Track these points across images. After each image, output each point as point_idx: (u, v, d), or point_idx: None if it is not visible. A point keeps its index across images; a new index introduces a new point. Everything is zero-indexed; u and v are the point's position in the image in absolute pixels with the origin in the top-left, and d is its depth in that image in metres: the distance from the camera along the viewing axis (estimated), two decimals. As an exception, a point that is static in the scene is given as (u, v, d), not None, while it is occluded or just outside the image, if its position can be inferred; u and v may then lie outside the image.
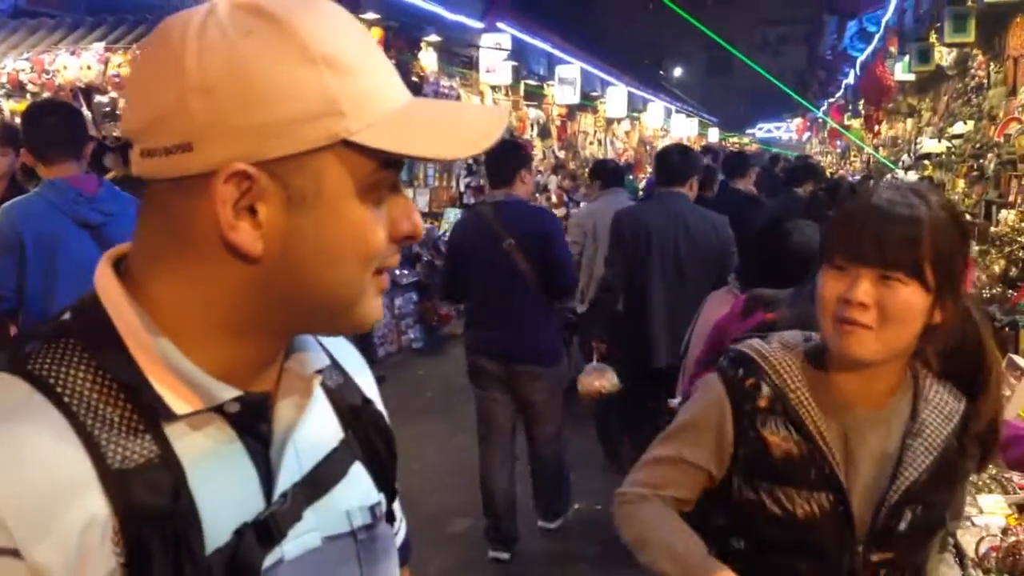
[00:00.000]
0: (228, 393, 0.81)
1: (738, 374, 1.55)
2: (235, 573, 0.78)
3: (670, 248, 4.35)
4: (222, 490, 0.80)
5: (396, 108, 0.80)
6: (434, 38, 10.43)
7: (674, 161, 4.63)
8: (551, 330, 4.39)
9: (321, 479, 0.89)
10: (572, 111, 16.39)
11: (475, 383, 4.36)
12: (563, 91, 14.75)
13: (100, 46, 6.17)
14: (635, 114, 20.57)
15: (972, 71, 9.45)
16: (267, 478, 0.84)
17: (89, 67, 6.09)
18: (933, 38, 9.63)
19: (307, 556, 0.86)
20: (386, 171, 0.80)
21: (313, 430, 0.90)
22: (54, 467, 0.73)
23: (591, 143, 17.75)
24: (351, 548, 0.91)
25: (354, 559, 0.91)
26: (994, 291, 4.97)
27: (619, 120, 19.02)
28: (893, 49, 11.22)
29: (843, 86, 20.03)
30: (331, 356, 0.97)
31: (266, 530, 0.82)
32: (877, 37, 12.22)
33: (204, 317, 0.80)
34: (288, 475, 0.85)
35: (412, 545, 1.13)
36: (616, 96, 17.94)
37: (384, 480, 0.98)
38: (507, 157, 4.24)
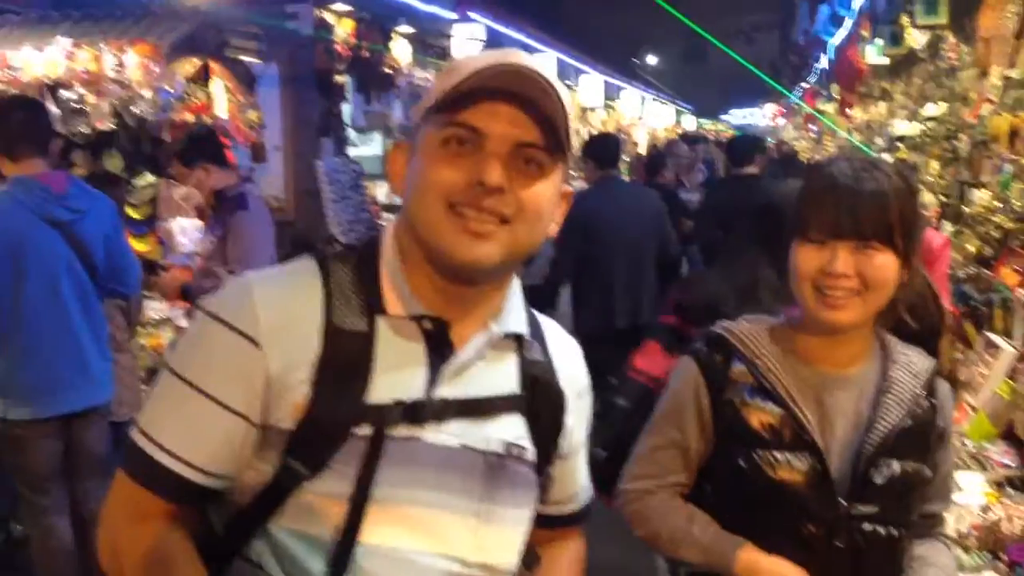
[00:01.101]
0: (419, 308, 1.17)
1: (709, 351, 1.65)
2: (377, 423, 1.12)
3: (622, 224, 4.88)
4: (396, 371, 1.15)
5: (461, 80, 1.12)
6: (406, 29, 10.33)
7: (611, 146, 5.47)
8: None
9: (477, 406, 1.19)
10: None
11: None
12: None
13: (67, 42, 6.08)
14: (610, 102, 20.55)
15: (944, 53, 9.47)
16: (434, 382, 1.16)
17: (55, 63, 6.00)
18: (905, 21, 9.65)
19: (442, 449, 1.16)
20: (453, 127, 1.12)
21: (490, 373, 1.22)
22: (302, 308, 1.15)
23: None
24: (480, 463, 1.19)
25: (479, 472, 1.19)
26: (969, 271, 5.00)
27: (594, 109, 18.98)
28: (865, 33, 11.24)
29: (816, 71, 20.11)
30: (544, 344, 1.30)
31: (412, 410, 1.14)
32: (849, 22, 12.24)
33: (408, 252, 1.19)
34: (451, 389, 1.17)
35: (583, 517, 1.44)
36: (591, 85, 17.90)
37: (540, 438, 1.25)
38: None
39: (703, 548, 1.59)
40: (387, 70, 9.46)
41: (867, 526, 1.54)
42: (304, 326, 1.15)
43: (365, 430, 1.12)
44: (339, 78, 8.81)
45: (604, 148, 5.55)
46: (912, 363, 1.62)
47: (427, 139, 1.15)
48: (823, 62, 17.72)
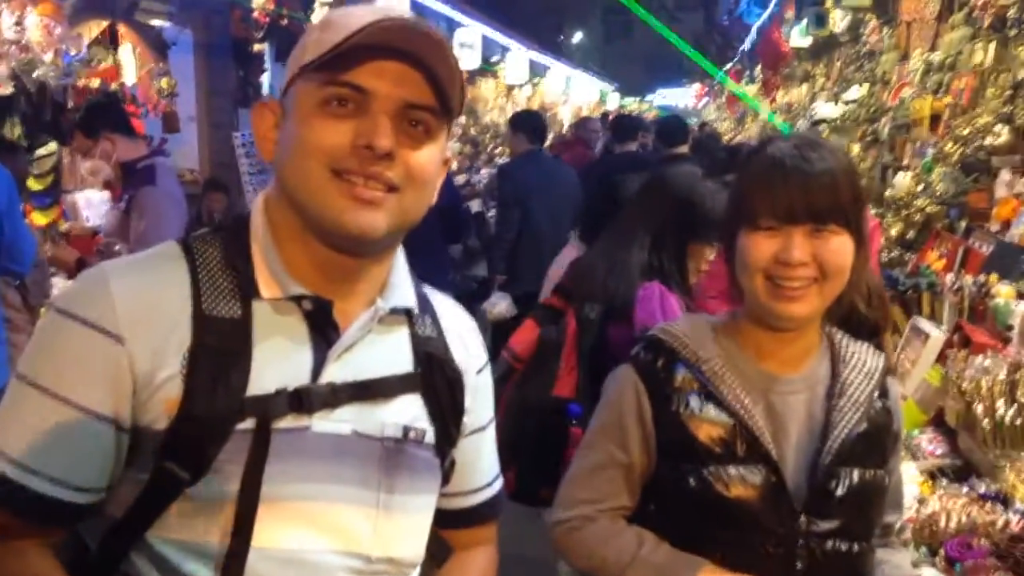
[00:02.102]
0: (296, 289, 1.08)
1: (648, 357, 1.50)
2: (261, 415, 1.04)
3: (549, 195, 5.35)
4: (277, 357, 1.07)
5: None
6: (328, -2, 10.03)
7: (541, 121, 6.14)
8: None
9: (369, 388, 1.11)
10: (472, 77, 16.13)
11: None
12: (464, 55, 14.47)
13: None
14: (536, 80, 20.41)
15: (865, 37, 9.60)
16: (320, 366, 1.08)
17: (-53, 23, 5.61)
18: (829, 3, 9.74)
19: (333, 438, 1.08)
20: (334, 85, 1.03)
21: (381, 353, 1.13)
22: (167, 297, 1.06)
23: (491, 109, 17.53)
24: (376, 450, 1.10)
25: (376, 460, 1.10)
26: (892, 254, 5.02)
27: (520, 86, 18.83)
28: (789, 15, 11.34)
29: (739, 52, 20.28)
30: (436, 318, 1.22)
31: (298, 398, 1.05)
32: (773, 2, 12.33)
33: (280, 227, 1.10)
34: (339, 372, 1.09)
35: (495, 509, 1.32)
36: (516, 61, 17.73)
37: (439, 418, 1.17)
38: None
39: (656, 570, 1.44)
40: (307, 39, 9.17)
41: (829, 543, 1.42)
42: (170, 316, 1.05)
43: (248, 424, 1.03)
44: (257, 46, 8.49)
45: (536, 123, 6.04)
46: (863, 361, 1.52)
47: (303, 98, 1.05)
48: (747, 43, 17.87)
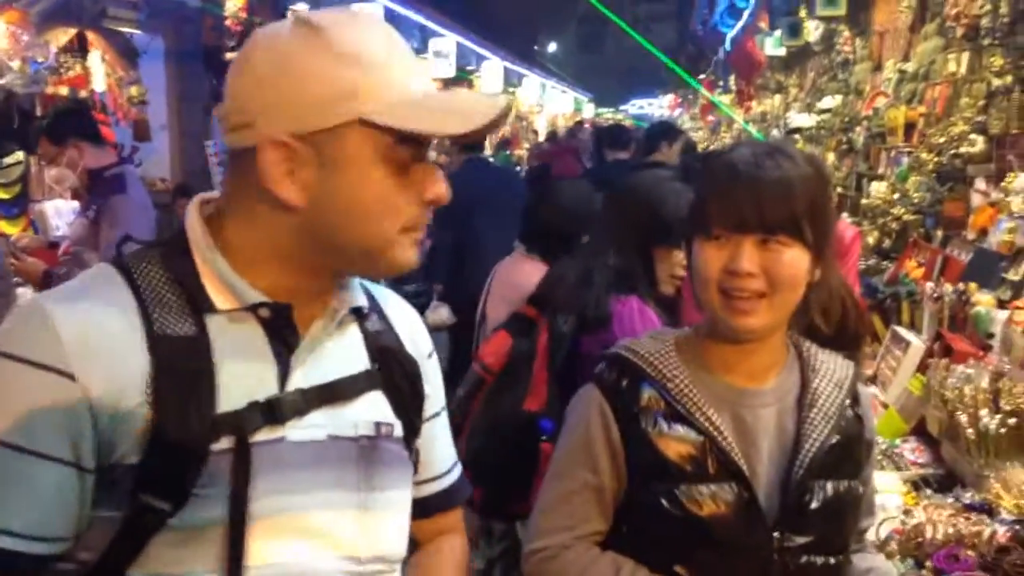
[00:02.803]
0: (255, 297, 1.05)
1: (612, 376, 1.46)
2: (237, 431, 1.00)
3: (494, 203, 5.30)
4: (241, 371, 1.03)
5: (412, 97, 1.03)
6: (302, 6, 9.97)
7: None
8: None
9: (335, 390, 1.09)
10: (447, 85, 16.11)
11: None
12: (438, 64, 14.45)
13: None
14: (511, 89, 20.42)
15: (838, 47, 9.65)
16: (285, 374, 1.06)
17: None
18: (803, 13, 9.79)
19: (310, 444, 1.06)
20: (403, 145, 1.03)
21: (340, 353, 1.12)
22: (115, 322, 0.99)
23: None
24: (352, 450, 1.09)
25: (353, 460, 1.10)
26: (869, 263, 5.02)
27: (495, 95, 18.83)
28: (763, 25, 11.38)
29: (713, 62, 20.38)
30: (382, 312, 1.21)
31: (270, 410, 1.03)
32: (747, 13, 12.38)
33: (258, 249, 1.06)
34: (305, 378, 1.07)
35: (459, 494, 1.33)
36: (492, 71, 17.73)
37: (402, 411, 1.17)
38: None
39: None
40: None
41: (803, 558, 1.39)
42: (122, 342, 0.99)
43: (224, 443, 1.00)
44: (229, 55, 8.40)
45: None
46: (833, 371, 1.48)
47: (376, 153, 1.03)
48: (721, 54, 17.96)
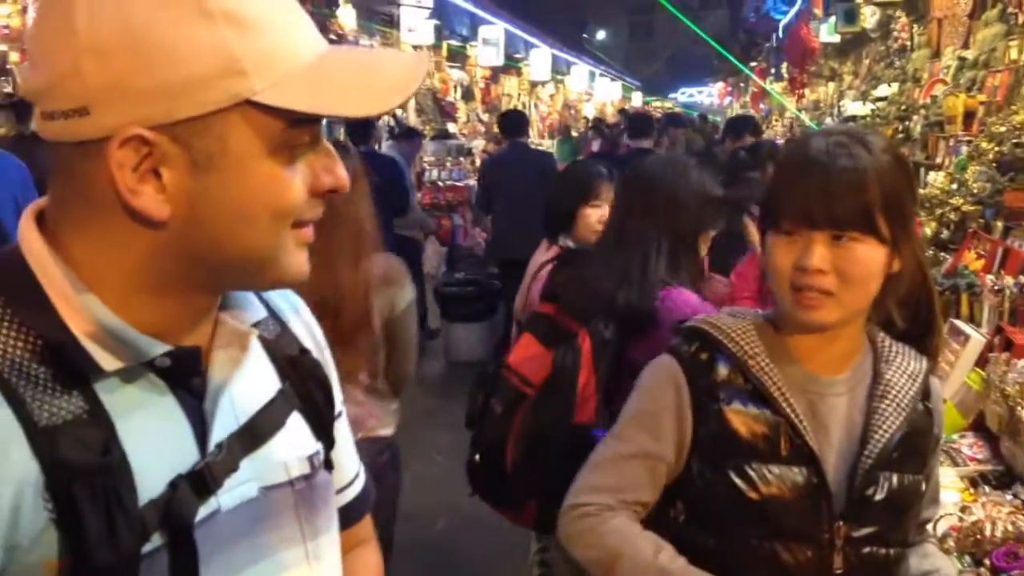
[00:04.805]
0: (157, 348, 0.81)
1: (692, 348, 1.44)
2: (170, 523, 0.79)
3: (521, 175, 6.45)
4: (154, 443, 0.81)
5: (306, 63, 0.78)
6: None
7: (514, 118, 7.66)
8: None
9: (258, 430, 0.89)
10: (496, 73, 16.10)
11: None
12: (487, 52, 14.45)
13: (-13, -5, 5.70)
14: (559, 77, 20.37)
15: (895, 34, 9.47)
16: (201, 430, 0.85)
17: (-26, 18, 5.64)
18: (859, -1, 9.64)
19: (244, 506, 0.87)
20: (297, 128, 0.78)
21: (250, 382, 0.90)
22: None
23: (515, 106, 17.51)
24: (289, 498, 0.92)
25: (292, 508, 0.92)
26: (927, 254, 4.93)
27: (543, 83, 18.78)
28: (817, 11, 11.22)
29: (764, 49, 20.11)
30: (268, 305, 0.98)
31: (201, 481, 0.82)
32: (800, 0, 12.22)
33: (124, 277, 0.80)
34: (224, 427, 0.86)
35: (368, 500, 1.15)
36: (540, 58, 17.69)
37: (322, 429, 0.99)
38: None
39: None
40: (332, 36, 9.15)
41: (865, 549, 1.37)
42: None
43: (157, 540, 0.79)
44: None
45: (509, 120, 7.70)
46: (907, 364, 1.45)
47: (252, 144, 0.77)
48: (773, 41, 17.72)
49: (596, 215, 2.99)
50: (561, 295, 2.47)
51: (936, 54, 7.70)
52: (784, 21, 13.96)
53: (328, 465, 1.00)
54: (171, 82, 0.72)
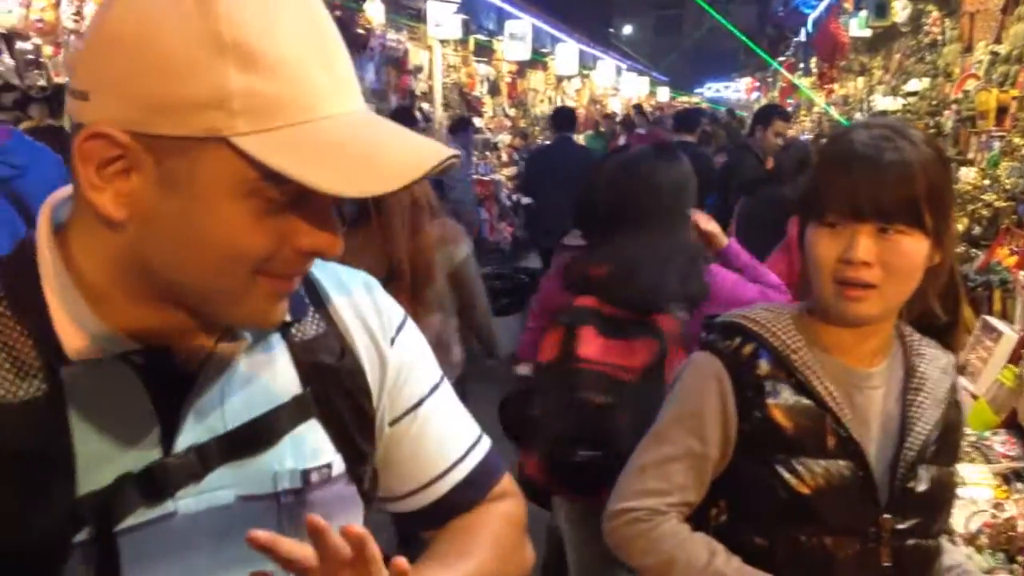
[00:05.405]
0: (126, 346, 0.81)
1: (731, 344, 1.43)
2: (105, 517, 0.79)
3: (565, 169, 6.85)
4: (109, 436, 0.80)
5: (310, 122, 0.74)
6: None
7: (567, 115, 8.42)
8: None
9: (249, 436, 0.86)
10: (522, 68, 16.08)
11: None
12: (514, 47, 14.43)
13: (21, -11, 5.75)
14: (585, 72, 20.31)
15: (926, 28, 9.37)
16: (175, 429, 0.83)
17: (10, 11, 5.68)
18: (892, -8, 9.54)
19: (213, 512, 0.84)
20: (276, 183, 0.74)
21: (254, 388, 0.88)
22: None
23: (541, 101, 17.47)
24: (271, 511, 0.88)
25: (273, 524, 0.87)
26: (959, 250, 4.88)
27: (569, 78, 18.74)
28: (848, 5, 11.12)
29: (793, 44, 19.97)
30: (320, 299, 0.95)
31: (150, 480, 0.81)
32: (830, -6, 12.13)
33: (103, 274, 0.80)
34: (202, 430, 0.84)
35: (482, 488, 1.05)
36: (566, 53, 17.64)
37: (345, 441, 0.94)
38: None
39: None
40: (360, 31, 9.16)
41: (910, 541, 1.37)
42: None
43: (86, 534, 0.79)
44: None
45: (558, 117, 8.49)
46: (937, 358, 1.46)
47: (221, 182, 0.74)
48: (802, 35, 17.58)
49: None
50: (606, 287, 2.43)
51: (968, 49, 7.61)
52: (813, 15, 13.84)
53: (353, 476, 0.95)
54: (160, 95, 0.71)
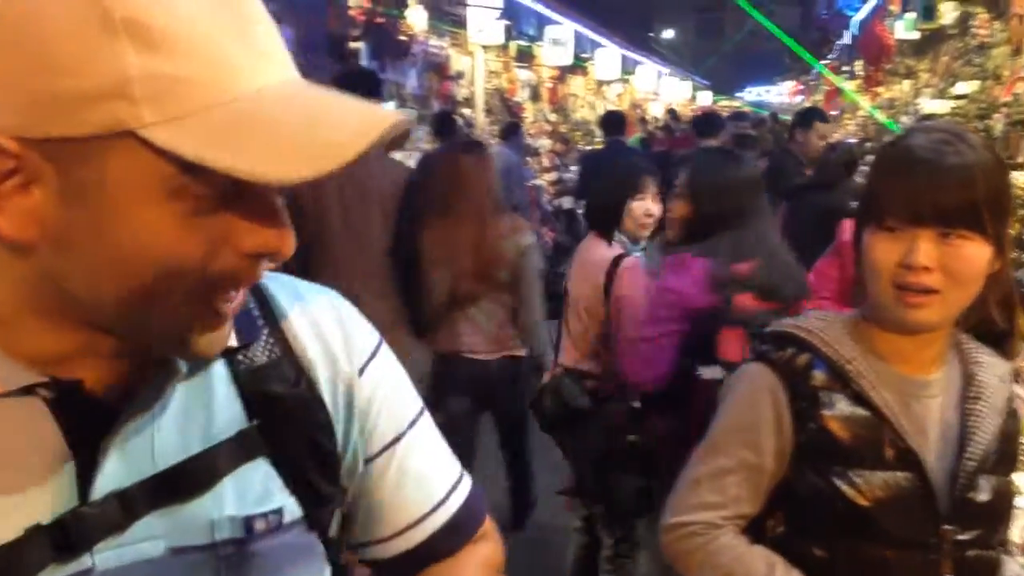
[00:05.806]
0: (30, 377, 0.69)
1: (785, 354, 1.41)
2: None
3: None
4: (13, 482, 0.69)
5: (229, 101, 0.62)
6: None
7: (617, 119, 8.61)
8: None
9: (181, 478, 0.75)
10: (563, 73, 16.11)
11: None
12: (555, 52, 14.47)
13: None
14: (626, 76, 20.28)
15: (973, 30, 9.24)
16: (92, 473, 0.72)
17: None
18: (940, -6, 9.42)
19: (138, 566, 0.73)
20: (199, 176, 0.62)
21: (189, 420, 0.77)
22: None
23: (582, 106, 17.48)
24: (209, 564, 0.77)
25: None
26: (1010, 255, 4.81)
27: (610, 82, 18.73)
28: (894, 8, 10.99)
29: (837, 47, 19.78)
30: (277, 326, 0.83)
31: (62, 533, 0.70)
32: (875, -4, 12.00)
33: (8, 300, 0.68)
34: (126, 472, 0.73)
35: (466, 530, 0.96)
36: (607, 58, 17.64)
37: (300, 483, 0.82)
38: None
39: None
40: (402, 37, 9.25)
41: (972, 552, 1.35)
42: None
43: None
44: (354, 44, 8.61)
45: (608, 120, 8.68)
46: (994, 366, 1.43)
47: (134, 184, 0.63)
48: (846, 38, 17.41)
49: (642, 208, 3.14)
50: (761, 284, 2.52)
51: (1017, 51, 7.50)
52: (859, 17, 13.69)
53: (313, 523, 0.84)
54: (48, 91, 0.59)
